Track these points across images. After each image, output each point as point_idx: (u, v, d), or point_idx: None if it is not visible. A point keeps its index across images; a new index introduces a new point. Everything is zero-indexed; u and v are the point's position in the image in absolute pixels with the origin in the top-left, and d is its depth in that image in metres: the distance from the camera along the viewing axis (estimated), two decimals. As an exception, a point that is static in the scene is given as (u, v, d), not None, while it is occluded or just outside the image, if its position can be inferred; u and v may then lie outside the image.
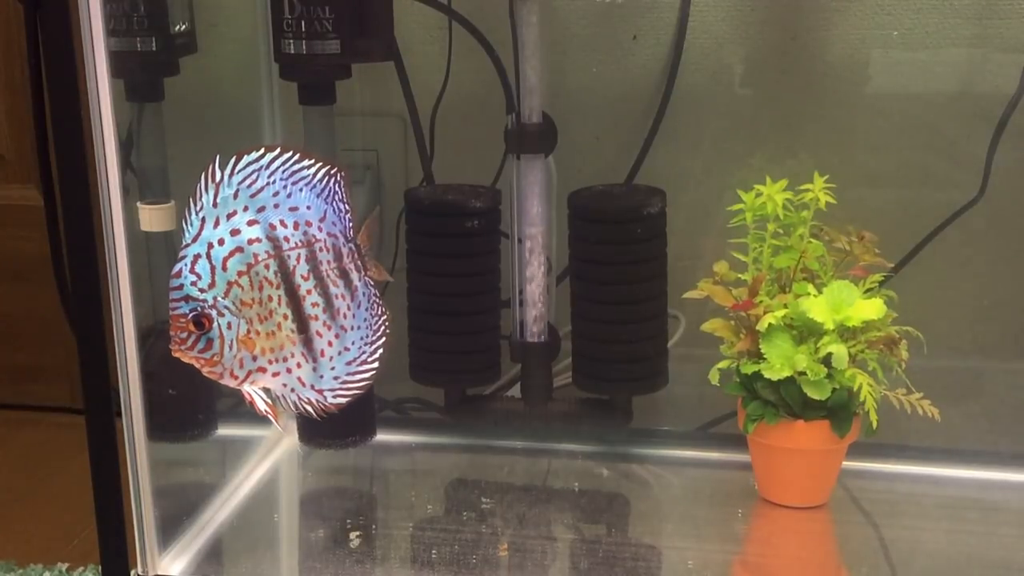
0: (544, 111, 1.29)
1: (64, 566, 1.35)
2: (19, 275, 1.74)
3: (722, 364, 1.23)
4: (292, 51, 1.24)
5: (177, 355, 0.88)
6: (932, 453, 1.34)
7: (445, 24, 1.40)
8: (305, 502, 1.33)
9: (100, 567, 1.12)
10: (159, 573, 1.14)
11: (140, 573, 1.14)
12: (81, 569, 1.35)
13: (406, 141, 1.46)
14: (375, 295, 0.96)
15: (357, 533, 1.21)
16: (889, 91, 1.35)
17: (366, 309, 0.95)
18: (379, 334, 0.96)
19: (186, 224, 0.88)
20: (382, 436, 1.42)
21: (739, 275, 1.24)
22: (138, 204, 1.27)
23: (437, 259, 1.31)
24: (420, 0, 1.37)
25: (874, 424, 1.17)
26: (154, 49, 1.23)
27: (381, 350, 0.95)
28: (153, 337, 1.16)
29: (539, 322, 1.33)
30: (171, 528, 1.18)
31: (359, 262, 0.94)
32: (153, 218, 1.27)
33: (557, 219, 1.33)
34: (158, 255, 1.30)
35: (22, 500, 1.54)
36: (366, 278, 0.95)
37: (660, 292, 1.30)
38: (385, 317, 0.96)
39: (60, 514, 1.49)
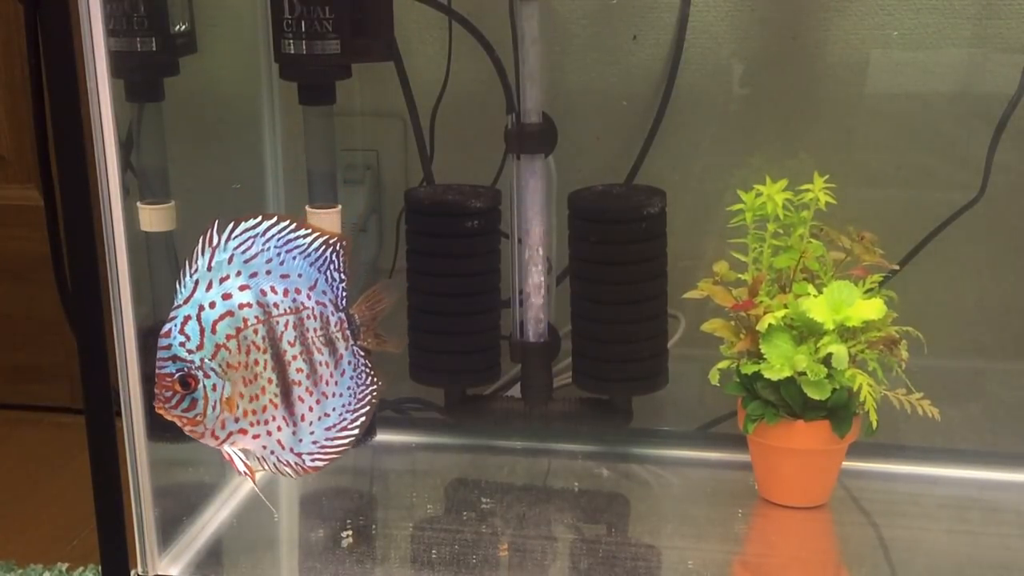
0: (544, 111, 1.29)
1: (64, 566, 1.35)
2: (19, 275, 1.74)
3: (722, 364, 1.23)
4: (292, 51, 1.24)
5: (160, 412, 0.90)
6: (932, 453, 1.34)
7: (445, 24, 1.40)
8: (305, 502, 1.33)
9: (100, 567, 1.12)
10: (159, 573, 1.14)
11: (140, 573, 1.14)
12: (81, 569, 1.35)
13: (406, 141, 1.46)
14: (364, 364, 0.98)
15: (348, 532, 1.21)
16: (889, 91, 1.35)
17: (351, 377, 0.97)
18: (363, 403, 0.98)
19: (179, 285, 0.90)
20: (382, 436, 1.42)
21: (739, 275, 1.24)
22: (138, 204, 1.27)
23: (437, 259, 1.31)
24: (420, 0, 1.37)
25: (874, 424, 1.17)
26: (154, 49, 1.23)
27: (363, 418, 0.98)
28: (153, 337, 1.16)
29: (539, 322, 1.33)
30: (171, 528, 1.18)
31: (347, 331, 0.96)
32: (153, 218, 1.27)
33: (557, 219, 1.33)
34: (158, 255, 1.30)
35: (22, 500, 1.54)
36: (355, 347, 0.97)
37: (660, 292, 1.30)
38: (374, 387, 0.99)
39: (60, 514, 1.49)
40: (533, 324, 1.33)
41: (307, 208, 1.32)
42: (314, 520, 1.26)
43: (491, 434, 1.41)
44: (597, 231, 1.28)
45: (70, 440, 1.58)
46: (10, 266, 1.75)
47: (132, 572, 1.13)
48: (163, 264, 1.31)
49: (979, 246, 1.37)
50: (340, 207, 1.33)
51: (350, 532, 1.21)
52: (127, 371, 1.09)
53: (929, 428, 1.21)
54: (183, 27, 1.28)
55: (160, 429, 1.14)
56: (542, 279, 1.32)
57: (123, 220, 1.05)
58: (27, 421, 1.76)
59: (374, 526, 1.24)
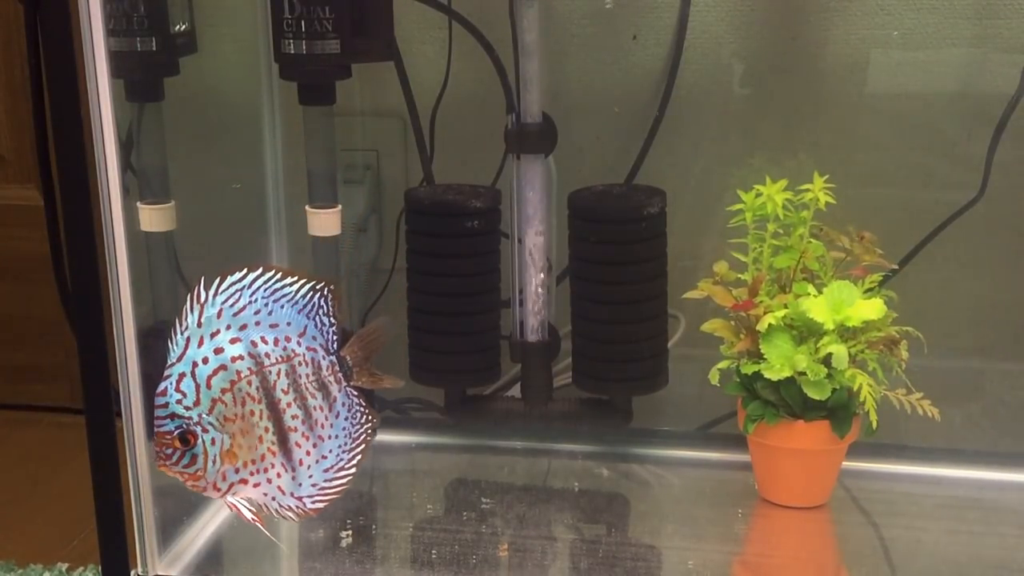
0: (544, 111, 1.29)
1: (64, 566, 1.35)
2: (19, 275, 1.74)
3: (722, 364, 1.23)
4: (292, 51, 1.24)
5: (162, 469, 0.92)
6: (932, 453, 1.34)
7: (445, 24, 1.40)
8: (305, 502, 1.33)
9: (100, 567, 1.12)
10: (159, 573, 1.14)
11: (140, 573, 1.14)
12: (81, 569, 1.35)
13: (406, 141, 1.46)
14: (358, 404, 1.00)
15: (347, 532, 1.21)
16: (889, 91, 1.36)
17: (345, 418, 0.99)
18: (359, 441, 1.00)
19: (172, 344, 0.91)
20: (382, 436, 1.42)
21: (739, 275, 1.24)
22: (138, 204, 1.27)
23: (437, 259, 1.31)
24: (420, 0, 1.37)
25: (874, 424, 1.17)
26: (154, 49, 1.23)
27: (360, 456, 0.99)
28: (153, 337, 1.16)
29: (539, 322, 1.33)
30: (171, 529, 1.18)
31: (339, 374, 0.98)
32: (153, 218, 1.27)
33: (557, 219, 1.33)
34: (158, 255, 1.30)
35: (22, 500, 1.54)
36: (348, 388, 0.99)
37: (660, 292, 1.30)
38: (369, 425, 1.00)
39: (60, 514, 1.49)
40: (533, 324, 1.33)
41: (307, 208, 1.32)
42: (314, 520, 1.25)
43: (491, 434, 1.41)
44: (597, 231, 1.28)
45: (70, 440, 1.58)
46: (10, 266, 1.75)
47: (132, 572, 1.13)
48: (163, 264, 1.31)
49: (979, 246, 1.37)
50: (340, 207, 1.33)
51: (349, 532, 1.21)
52: (127, 371, 1.09)
53: (929, 428, 1.21)
54: (183, 27, 1.28)
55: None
56: (542, 279, 1.32)
57: (123, 220, 1.05)
58: (27, 421, 1.76)
59: (374, 526, 1.24)
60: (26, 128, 1.62)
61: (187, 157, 1.38)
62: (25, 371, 1.78)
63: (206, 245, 1.41)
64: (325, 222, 1.32)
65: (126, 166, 1.21)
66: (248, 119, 1.44)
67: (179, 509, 1.21)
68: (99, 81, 1.02)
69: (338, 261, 1.37)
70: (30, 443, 1.70)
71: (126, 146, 1.21)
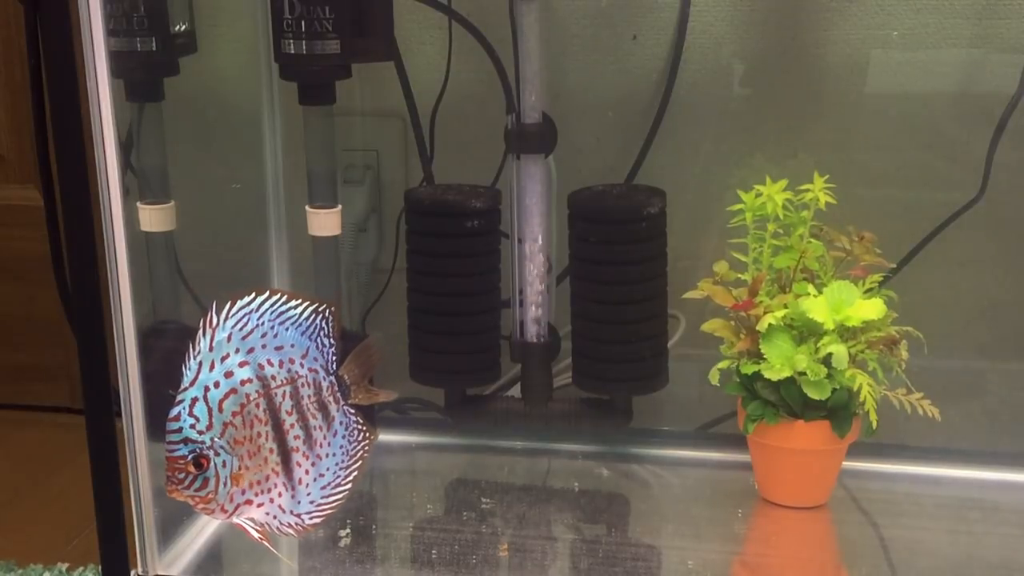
0: (544, 111, 1.29)
1: (64, 566, 1.35)
2: (19, 275, 1.74)
3: (722, 364, 1.23)
4: (292, 51, 1.24)
5: (173, 494, 0.93)
6: (932, 453, 1.34)
7: (445, 24, 1.40)
8: (305, 502, 1.33)
9: (100, 567, 1.12)
10: (159, 573, 1.14)
11: (140, 573, 1.14)
12: (81, 569, 1.35)
13: (406, 141, 1.46)
14: (356, 422, 1.02)
15: (346, 532, 1.21)
16: (889, 91, 1.36)
17: (343, 436, 1.01)
18: (355, 458, 1.02)
19: (185, 368, 0.92)
20: (382, 436, 1.42)
21: (739, 275, 1.24)
22: (138, 204, 1.27)
23: (437, 259, 1.31)
24: (420, 0, 1.37)
25: (874, 424, 1.17)
26: (154, 49, 1.23)
27: (356, 472, 1.02)
28: (153, 337, 1.16)
29: (539, 322, 1.33)
30: (171, 528, 1.18)
31: (337, 393, 1.00)
32: (153, 218, 1.27)
33: (557, 219, 1.33)
34: (158, 255, 1.30)
35: (22, 500, 1.54)
36: (346, 407, 1.01)
37: (660, 292, 1.30)
38: (365, 442, 1.03)
39: (60, 514, 1.49)
40: (533, 324, 1.33)
41: (307, 208, 1.32)
42: (314, 520, 1.26)
43: (491, 434, 1.41)
44: (597, 231, 1.28)
45: (70, 440, 1.58)
46: (10, 266, 1.75)
47: (132, 572, 1.13)
48: (163, 264, 1.31)
49: (979, 246, 1.37)
50: (340, 207, 1.33)
51: (348, 531, 1.22)
52: (127, 371, 1.08)
53: (929, 428, 1.21)
54: (183, 27, 1.29)
55: (160, 429, 1.14)
56: (542, 279, 1.32)
57: (123, 220, 1.05)
58: (27, 421, 1.76)
59: (374, 526, 1.24)
60: (26, 128, 1.62)
61: (187, 157, 1.38)
62: (25, 371, 1.78)
63: (206, 245, 1.42)
64: (325, 222, 1.32)
65: (126, 166, 1.21)
66: (248, 119, 1.44)
67: (179, 509, 1.21)
68: (99, 81, 1.02)
69: (338, 261, 1.37)
70: (30, 443, 1.70)
71: (126, 146, 1.21)
